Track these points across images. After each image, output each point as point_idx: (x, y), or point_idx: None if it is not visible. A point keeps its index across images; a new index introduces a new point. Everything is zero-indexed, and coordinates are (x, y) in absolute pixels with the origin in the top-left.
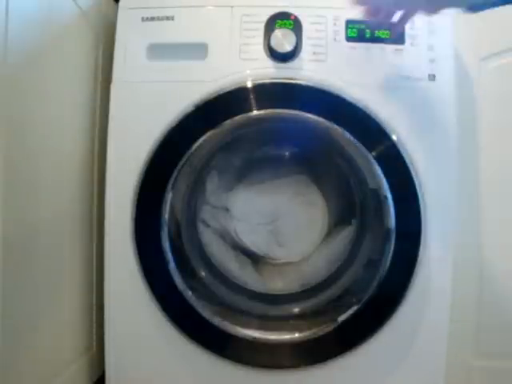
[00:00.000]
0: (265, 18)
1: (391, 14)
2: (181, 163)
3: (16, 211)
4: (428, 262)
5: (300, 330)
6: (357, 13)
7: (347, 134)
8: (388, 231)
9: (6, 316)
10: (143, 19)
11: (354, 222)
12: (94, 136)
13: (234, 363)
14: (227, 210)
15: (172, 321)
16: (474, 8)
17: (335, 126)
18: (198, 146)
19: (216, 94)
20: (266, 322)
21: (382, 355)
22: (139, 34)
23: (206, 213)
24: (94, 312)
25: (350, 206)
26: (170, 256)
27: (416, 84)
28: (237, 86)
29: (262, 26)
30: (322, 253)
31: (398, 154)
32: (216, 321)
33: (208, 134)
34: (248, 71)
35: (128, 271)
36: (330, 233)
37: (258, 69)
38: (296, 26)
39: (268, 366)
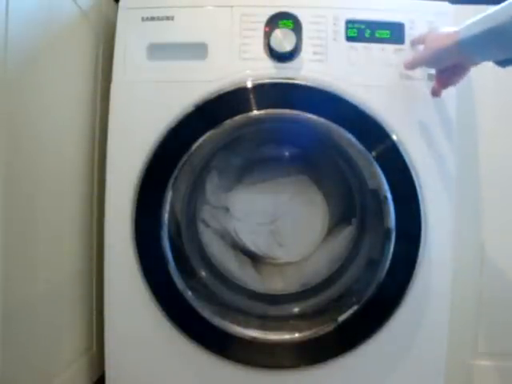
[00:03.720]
0: (265, 18)
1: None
2: (181, 163)
3: (16, 211)
4: (428, 262)
5: (300, 330)
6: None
7: (347, 134)
8: (388, 231)
9: (7, 316)
10: (143, 19)
11: (354, 221)
12: (94, 136)
13: (234, 363)
14: (227, 209)
15: (172, 321)
16: (501, 64)
17: (335, 126)
18: (197, 146)
19: (216, 94)
20: (266, 322)
21: (382, 355)
22: (139, 33)
23: (206, 213)
24: (94, 312)
25: (350, 206)
26: (169, 256)
27: (416, 84)
28: (237, 86)
29: (261, 26)
30: (322, 253)
31: (398, 154)
32: (216, 321)
33: (208, 133)
34: (248, 71)
35: (128, 271)
36: (330, 233)
37: (257, 69)
38: (296, 26)
39: (268, 366)
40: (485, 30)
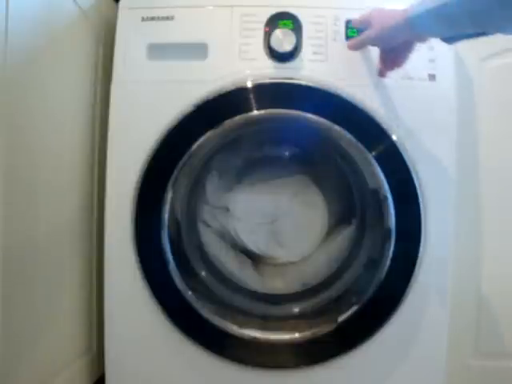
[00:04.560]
0: (265, 18)
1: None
2: (181, 163)
3: (16, 211)
4: (428, 262)
5: (300, 330)
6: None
7: (347, 134)
8: (388, 231)
9: (7, 316)
10: (143, 19)
11: (354, 221)
12: (94, 136)
13: (233, 363)
14: (227, 209)
15: (172, 321)
16: (447, 40)
17: (335, 126)
18: (197, 146)
19: (216, 94)
20: (266, 322)
21: (382, 355)
22: (139, 33)
23: (206, 213)
24: (94, 312)
25: (350, 205)
26: (169, 256)
27: (416, 84)
28: (237, 86)
29: (261, 26)
30: (322, 253)
31: (398, 154)
32: (216, 321)
33: (208, 134)
34: (248, 71)
35: (128, 271)
36: (330, 233)
37: (257, 69)
38: (296, 26)
39: (268, 366)
40: (432, 7)
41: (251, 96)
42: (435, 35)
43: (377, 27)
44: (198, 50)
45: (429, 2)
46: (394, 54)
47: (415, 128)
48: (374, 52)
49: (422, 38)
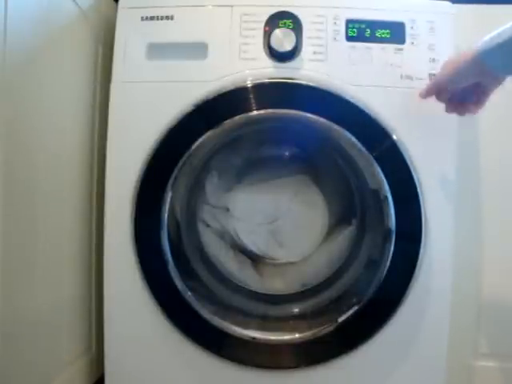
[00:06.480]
0: (265, 18)
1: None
2: (181, 163)
3: (15, 212)
4: (428, 263)
5: (300, 331)
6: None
7: (347, 134)
8: (388, 231)
9: (7, 316)
10: (143, 19)
11: (354, 222)
12: (94, 136)
13: (233, 363)
14: (227, 209)
15: (171, 321)
16: None
17: (335, 126)
18: (197, 146)
19: (216, 94)
20: (266, 323)
21: (382, 355)
22: (139, 33)
23: (205, 213)
24: (94, 313)
25: (350, 206)
26: (169, 256)
27: (416, 84)
28: (236, 86)
29: (261, 26)
30: (322, 253)
31: (399, 154)
32: (215, 321)
33: (208, 133)
34: (248, 71)
35: (128, 272)
36: (330, 233)
37: (257, 68)
38: (296, 26)
39: (268, 367)
40: (504, 41)
41: (251, 96)
42: (509, 72)
43: (443, 70)
44: (197, 50)
45: (497, 36)
46: (465, 95)
47: (415, 128)
48: (375, 52)
49: (495, 77)
